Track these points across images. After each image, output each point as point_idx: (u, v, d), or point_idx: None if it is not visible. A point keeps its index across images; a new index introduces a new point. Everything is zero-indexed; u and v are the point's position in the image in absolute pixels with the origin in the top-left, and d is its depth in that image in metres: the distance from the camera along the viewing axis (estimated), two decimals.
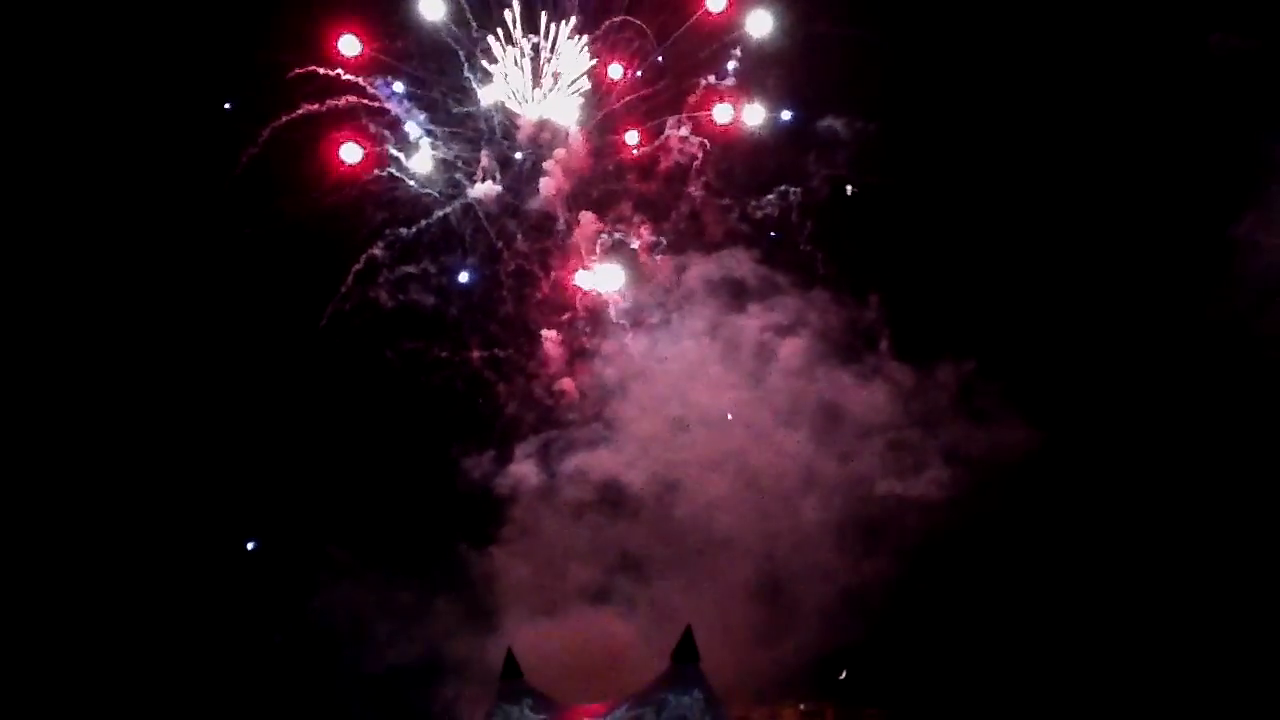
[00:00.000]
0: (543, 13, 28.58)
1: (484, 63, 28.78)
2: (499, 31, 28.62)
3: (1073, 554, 26.94)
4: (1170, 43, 27.39)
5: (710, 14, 28.66)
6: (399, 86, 28.72)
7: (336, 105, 28.46)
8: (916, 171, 28.44)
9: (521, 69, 28.87)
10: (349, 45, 28.37)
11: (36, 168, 27.69)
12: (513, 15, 28.51)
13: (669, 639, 25.34)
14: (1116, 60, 27.79)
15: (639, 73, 29.12)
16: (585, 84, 29.07)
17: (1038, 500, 27.11)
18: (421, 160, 28.96)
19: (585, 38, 28.78)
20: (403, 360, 28.91)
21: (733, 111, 29.20)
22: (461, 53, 28.73)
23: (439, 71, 28.94)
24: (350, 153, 28.64)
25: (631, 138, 29.35)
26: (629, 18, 28.66)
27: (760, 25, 28.70)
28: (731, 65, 28.94)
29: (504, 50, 28.74)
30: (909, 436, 28.14)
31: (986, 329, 28.04)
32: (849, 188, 29.16)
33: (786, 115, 29.43)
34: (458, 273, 29.45)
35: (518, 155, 29.37)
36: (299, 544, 28.04)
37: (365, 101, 28.62)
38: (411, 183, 29.00)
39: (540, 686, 25.62)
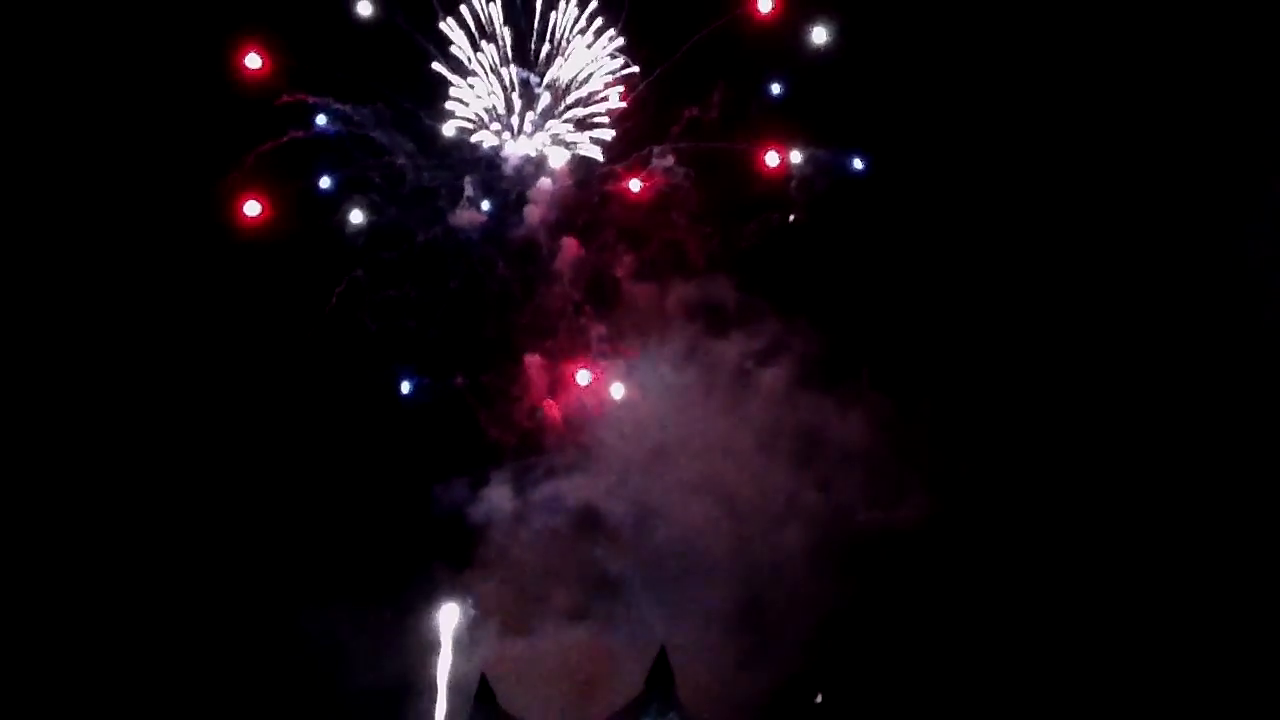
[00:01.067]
0: (531, 46, 29.12)
1: (467, 91, 29.27)
2: (488, 61, 29.11)
3: (1046, 581, 27.13)
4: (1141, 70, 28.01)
5: (756, 14, 28.93)
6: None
7: (325, 132, 28.89)
8: (902, 205, 28.90)
9: (511, 101, 29.32)
10: (252, 61, 28.32)
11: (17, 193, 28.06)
12: (502, 48, 29.01)
13: (645, 661, 25.50)
14: (1095, 95, 28.39)
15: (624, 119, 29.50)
16: (579, 113, 29.43)
17: (1011, 529, 27.36)
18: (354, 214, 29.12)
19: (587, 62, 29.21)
20: (384, 382, 29.08)
21: (778, 158, 29.26)
22: (452, 85, 29.17)
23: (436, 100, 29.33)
24: (251, 208, 28.38)
25: (634, 185, 29.46)
26: (619, 52, 29.16)
27: (820, 36, 29.01)
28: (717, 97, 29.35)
29: (496, 83, 29.27)
30: (885, 464, 28.36)
31: (961, 361, 28.35)
32: (791, 216, 29.39)
33: (858, 164, 29.42)
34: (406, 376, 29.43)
35: (486, 204, 29.59)
36: (278, 565, 28.06)
37: (352, 129, 29.08)
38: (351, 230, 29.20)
39: (515, 709, 25.72)
